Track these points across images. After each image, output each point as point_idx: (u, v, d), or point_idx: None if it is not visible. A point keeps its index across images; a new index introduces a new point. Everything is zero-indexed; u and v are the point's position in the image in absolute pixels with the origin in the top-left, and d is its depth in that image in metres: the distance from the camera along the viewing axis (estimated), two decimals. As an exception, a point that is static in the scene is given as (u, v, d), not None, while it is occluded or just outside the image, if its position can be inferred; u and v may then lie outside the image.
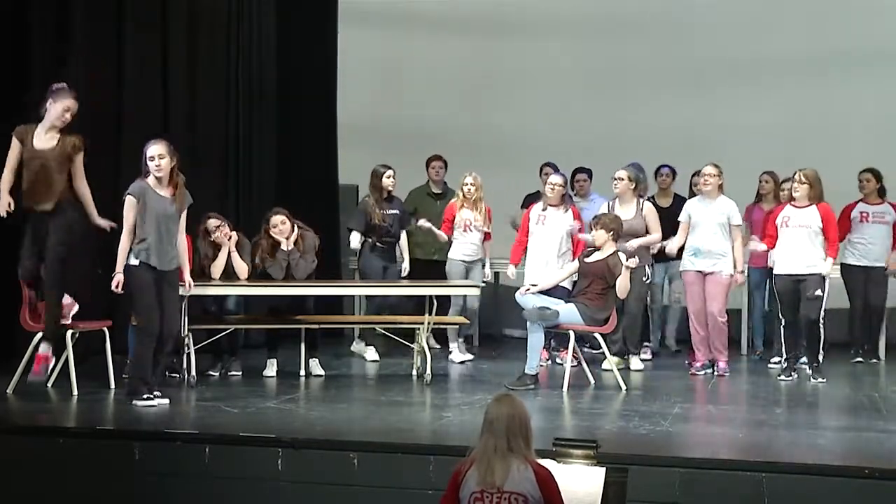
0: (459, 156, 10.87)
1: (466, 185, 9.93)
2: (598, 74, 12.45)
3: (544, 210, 9.52)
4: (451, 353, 10.02)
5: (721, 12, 12.22)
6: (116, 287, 7.46)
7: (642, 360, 9.62)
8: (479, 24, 12.84)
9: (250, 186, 11.22)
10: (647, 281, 9.47)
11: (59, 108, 7.51)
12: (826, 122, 11.75)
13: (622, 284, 8.36)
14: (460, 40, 12.82)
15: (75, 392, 7.71)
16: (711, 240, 9.14)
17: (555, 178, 9.60)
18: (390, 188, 9.82)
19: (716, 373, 9.15)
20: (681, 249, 9.37)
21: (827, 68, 11.96)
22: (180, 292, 7.81)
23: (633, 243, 9.05)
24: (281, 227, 8.90)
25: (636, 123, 11.95)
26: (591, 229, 8.76)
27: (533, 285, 8.68)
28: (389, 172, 9.80)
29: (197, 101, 10.59)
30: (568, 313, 8.38)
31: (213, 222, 8.83)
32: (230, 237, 8.78)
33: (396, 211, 9.88)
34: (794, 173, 8.98)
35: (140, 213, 7.43)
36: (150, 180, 7.49)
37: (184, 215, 7.64)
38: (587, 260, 8.63)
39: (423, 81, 12.77)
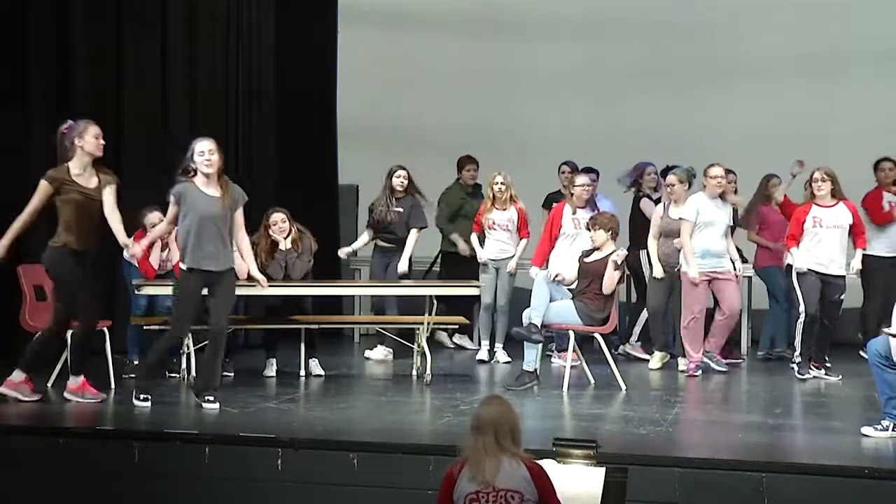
0: (459, 156, 10.84)
1: (497, 184, 9.79)
2: (599, 75, 12.42)
3: (574, 214, 9.41)
4: (496, 351, 9.90)
5: (722, 12, 12.19)
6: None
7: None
8: (479, 24, 12.82)
9: (250, 187, 11.18)
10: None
11: (92, 137, 7.29)
12: (829, 122, 11.73)
13: (608, 279, 8.33)
14: (460, 40, 12.81)
15: (75, 392, 7.70)
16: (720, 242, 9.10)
17: (582, 179, 9.51)
18: (399, 188, 9.82)
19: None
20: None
21: (829, 68, 11.93)
22: (255, 291, 8.01)
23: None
24: (281, 225, 8.91)
25: (636, 123, 11.94)
26: (589, 230, 8.73)
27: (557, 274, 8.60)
28: (400, 172, 9.84)
29: (197, 101, 10.59)
30: (567, 312, 8.38)
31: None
32: None
33: (401, 209, 9.86)
34: (814, 172, 8.91)
35: (183, 214, 7.32)
36: (198, 179, 7.33)
37: (240, 213, 7.51)
38: (587, 260, 8.62)
39: (423, 81, 12.75)
